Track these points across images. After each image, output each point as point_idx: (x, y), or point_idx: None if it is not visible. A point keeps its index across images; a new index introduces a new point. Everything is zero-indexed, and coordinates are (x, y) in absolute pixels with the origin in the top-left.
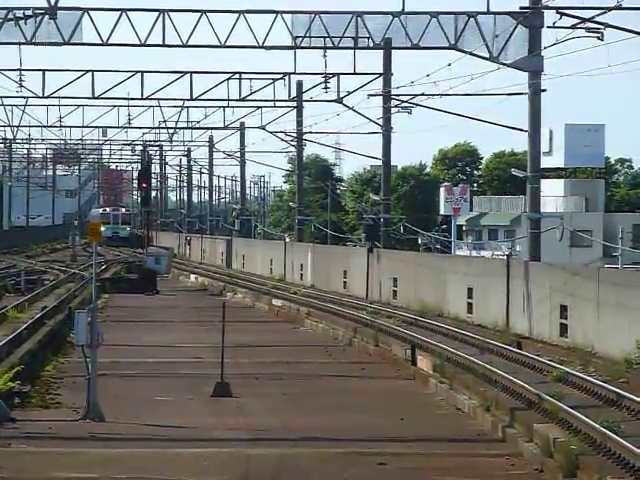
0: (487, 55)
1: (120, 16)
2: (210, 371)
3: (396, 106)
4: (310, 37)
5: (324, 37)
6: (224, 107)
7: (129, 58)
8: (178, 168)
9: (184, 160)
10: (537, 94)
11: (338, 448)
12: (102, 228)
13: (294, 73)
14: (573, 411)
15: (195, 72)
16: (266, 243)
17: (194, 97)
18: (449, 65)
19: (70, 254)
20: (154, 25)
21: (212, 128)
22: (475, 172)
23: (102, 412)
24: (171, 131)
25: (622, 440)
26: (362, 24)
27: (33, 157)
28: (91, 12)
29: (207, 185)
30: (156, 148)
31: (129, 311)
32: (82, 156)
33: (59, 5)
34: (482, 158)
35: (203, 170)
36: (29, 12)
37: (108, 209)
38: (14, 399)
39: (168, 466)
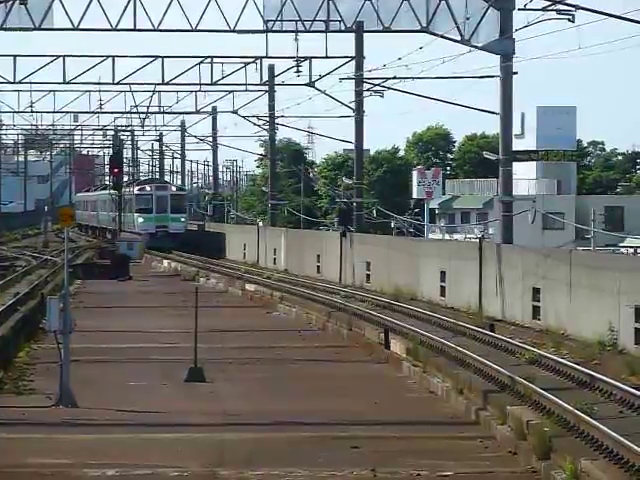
0: (459, 38)
1: (91, 1)
2: (184, 356)
3: (368, 89)
4: (282, 21)
5: (296, 21)
6: (196, 91)
7: (100, 43)
8: (150, 153)
9: (156, 145)
10: (509, 77)
11: (312, 432)
12: (139, 219)
13: (266, 57)
14: (546, 393)
15: (166, 56)
16: (239, 228)
17: (166, 82)
18: (421, 48)
19: (42, 240)
20: (125, 9)
21: (184, 113)
22: (448, 155)
23: (75, 398)
24: (143, 116)
25: (595, 422)
26: (334, 7)
27: (4, 143)
28: None
29: (179, 170)
30: (128, 133)
31: (102, 297)
32: (54, 142)
33: None
34: (455, 142)
35: (175, 155)
36: None
37: (148, 187)
38: None
39: (142, 451)
